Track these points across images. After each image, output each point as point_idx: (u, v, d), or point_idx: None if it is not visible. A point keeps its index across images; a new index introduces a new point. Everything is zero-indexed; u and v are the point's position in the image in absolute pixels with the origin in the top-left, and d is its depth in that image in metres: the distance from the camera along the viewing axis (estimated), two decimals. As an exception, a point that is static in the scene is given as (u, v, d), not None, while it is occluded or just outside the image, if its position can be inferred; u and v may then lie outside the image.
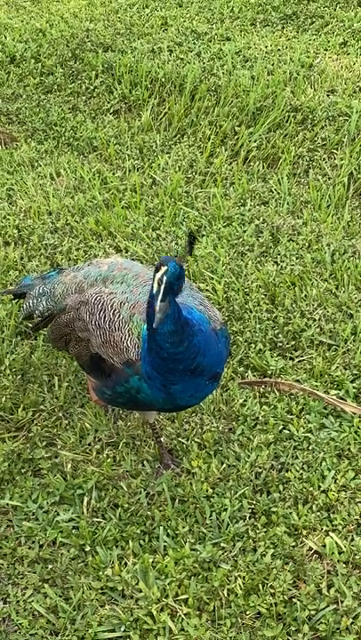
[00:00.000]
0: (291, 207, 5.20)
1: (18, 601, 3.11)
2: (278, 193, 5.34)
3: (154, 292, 2.81)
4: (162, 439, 3.60)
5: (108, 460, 3.57)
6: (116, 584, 3.10)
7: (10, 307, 4.33)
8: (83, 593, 3.09)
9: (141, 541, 3.27)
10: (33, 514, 3.41)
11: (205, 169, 5.56)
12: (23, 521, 3.37)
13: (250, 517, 3.34)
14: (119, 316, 3.17)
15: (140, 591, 3.06)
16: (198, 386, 3.10)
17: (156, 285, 2.81)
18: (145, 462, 3.59)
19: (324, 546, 3.23)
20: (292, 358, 4.09)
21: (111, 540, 3.27)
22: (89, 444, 3.68)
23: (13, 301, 4.33)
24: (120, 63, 6.58)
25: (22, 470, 3.58)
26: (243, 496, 3.40)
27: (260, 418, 3.74)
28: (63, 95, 6.51)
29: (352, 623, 2.98)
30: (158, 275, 2.80)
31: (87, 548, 3.24)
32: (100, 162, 5.75)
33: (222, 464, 3.54)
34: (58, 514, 3.39)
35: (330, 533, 3.27)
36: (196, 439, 3.66)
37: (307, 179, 5.53)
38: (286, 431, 3.69)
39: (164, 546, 3.24)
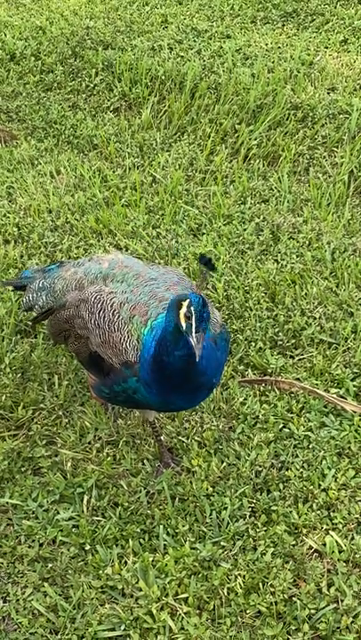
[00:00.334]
0: (291, 205, 5.19)
1: (18, 600, 3.11)
2: (279, 191, 5.33)
3: (183, 328, 2.79)
4: (162, 438, 3.59)
5: (108, 458, 3.57)
6: (115, 583, 3.09)
7: (10, 305, 4.33)
8: (83, 592, 3.09)
9: (141, 540, 3.26)
10: (33, 512, 3.40)
11: (206, 167, 5.55)
12: (23, 519, 3.37)
13: (250, 516, 3.34)
14: (119, 316, 3.16)
15: (140, 590, 3.05)
16: (194, 396, 3.14)
17: (183, 322, 2.79)
18: (145, 461, 3.59)
19: (325, 544, 3.23)
20: (292, 357, 4.08)
21: (111, 538, 3.27)
22: (89, 443, 3.68)
23: (13, 299, 4.33)
24: (120, 61, 6.57)
25: (22, 469, 3.58)
26: (243, 495, 3.40)
27: (261, 416, 3.74)
28: (63, 93, 6.50)
29: (352, 622, 2.98)
30: (183, 310, 2.78)
31: (87, 547, 3.24)
32: (101, 160, 5.75)
33: (222, 463, 3.53)
34: (58, 512, 3.39)
35: (330, 532, 3.27)
36: (196, 438, 3.65)
37: (307, 177, 5.53)
38: (286, 430, 3.69)
39: (164, 544, 3.24)
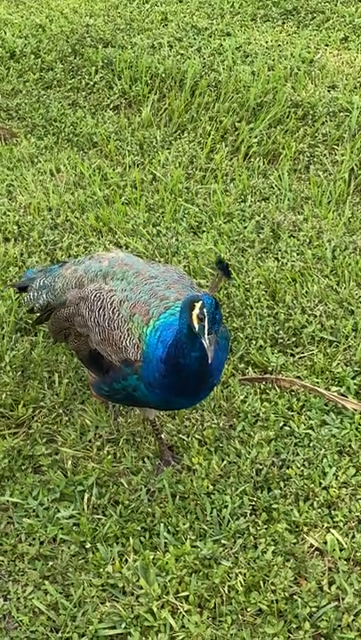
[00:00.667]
0: (291, 203, 5.19)
1: (18, 598, 3.11)
2: (279, 189, 5.32)
3: (196, 330, 2.78)
4: (162, 436, 3.59)
5: (109, 456, 3.56)
6: (116, 581, 3.09)
7: (10, 303, 4.32)
8: (83, 590, 3.08)
9: (142, 538, 3.26)
10: (33, 510, 3.40)
11: (206, 165, 5.54)
12: (23, 518, 3.37)
13: (251, 514, 3.34)
14: (119, 314, 3.16)
15: (141, 588, 3.05)
16: (195, 395, 3.15)
17: (196, 323, 2.78)
18: (145, 459, 3.59)
19: (326, 543, 3.23)
20: (292, 355, 4.08)
21: (112, 536, 3.26)
22: (89, 441, 3.67)
23: (13, 298, 4.32)
24: (120, 59, 6.56)
25: (22, 467, 3.58)
26: (243, 493, 3.40)
27: (261, 414, 3.73)
28: (63, 91, 6.50)
29: (353, 620, 2.98)
30: (196, 311, 2.77)
31: (88, 545, 3.24)
32: (101, 158, 5.74)
33: (223, 461, 3.53)
34: (58, 510, 3.38)
35: (331, 530, 3.27)
36: (196, 436, 3.65)
37: (307, 175, 5.52)
38: (287, 428, 3.68)
39: (165, 543, 3.24)
